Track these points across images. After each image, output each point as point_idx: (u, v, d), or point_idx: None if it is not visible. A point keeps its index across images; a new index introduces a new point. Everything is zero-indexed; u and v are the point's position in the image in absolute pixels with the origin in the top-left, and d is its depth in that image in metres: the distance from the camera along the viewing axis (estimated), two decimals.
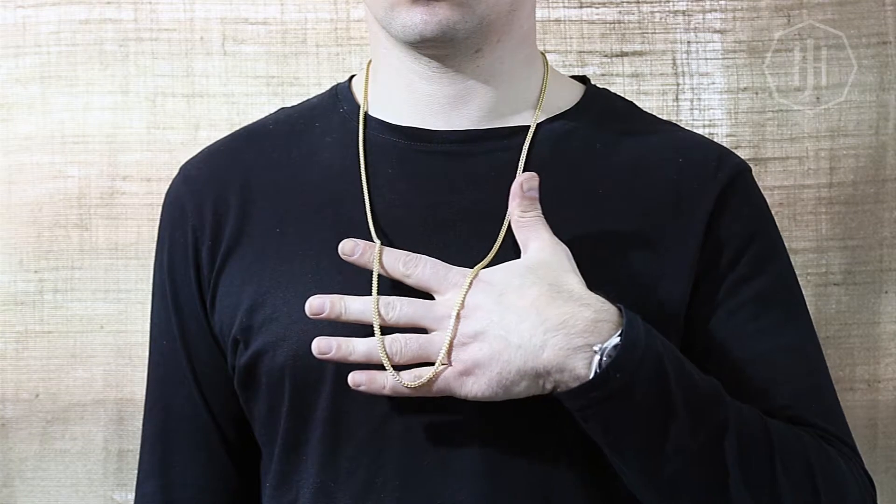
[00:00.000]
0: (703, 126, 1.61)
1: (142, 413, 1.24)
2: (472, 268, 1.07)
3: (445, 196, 1.13)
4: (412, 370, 1.06)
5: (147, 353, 1.23)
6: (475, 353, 1.04)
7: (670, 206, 1.15)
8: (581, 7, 1.62)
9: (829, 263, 1.62)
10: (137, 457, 1.24)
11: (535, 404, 1.08)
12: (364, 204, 1.14)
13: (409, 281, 1.07)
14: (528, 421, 1.09)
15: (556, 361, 1.03)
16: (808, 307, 1.21)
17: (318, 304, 1.07)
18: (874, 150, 1.61)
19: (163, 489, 1.21)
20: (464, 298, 1.05)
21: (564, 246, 1.08)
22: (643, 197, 1.15)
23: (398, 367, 1.06)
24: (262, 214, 1.16)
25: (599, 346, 1.03)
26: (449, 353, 1.04)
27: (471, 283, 1.05)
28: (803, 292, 1.20)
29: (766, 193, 1.22)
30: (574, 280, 1.06)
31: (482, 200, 1.13)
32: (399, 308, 1.06)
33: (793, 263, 1.20)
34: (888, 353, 1.64)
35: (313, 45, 1.63)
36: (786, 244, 1.20)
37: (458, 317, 1.04)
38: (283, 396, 1.13)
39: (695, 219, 1.15)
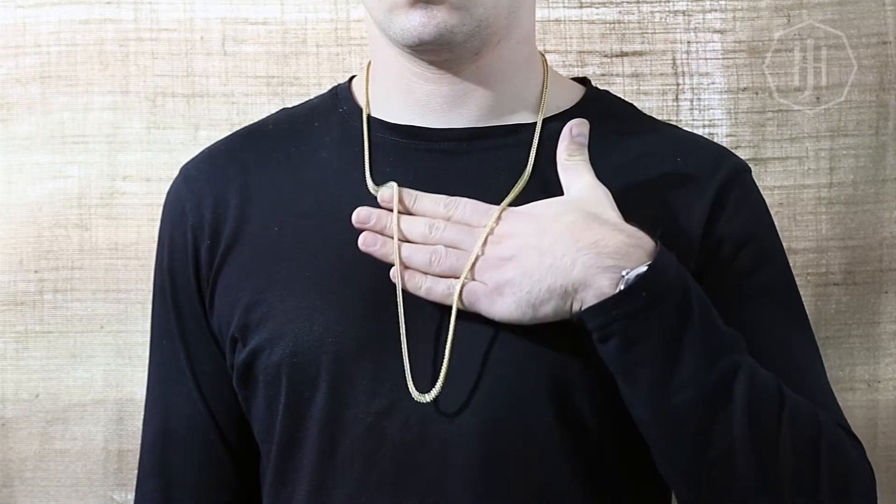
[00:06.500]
0: (703, 126, 1.61)
1: (142, 413, 1.25)
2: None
3: (443, 194, 1.13)
4: (447, 280, 1.09)
5: (147, 353, 1.24)
6: (507, 273, 1.07)
7: (668, 206, 1.15)
8: (581, 7, 1.62)
9: (829, 263, 1.62)
10: (137, 457, 1.25)
11: (532, 400, 1.09)
12: (361, 202, 1.14)
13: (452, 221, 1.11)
14: (525, 418, 1.10)
15: (584, 278, 1.05)
16: (808, 307, 1.21)
17: (366, 215, 1.11)
18: (874, 150, 1.61)
19: (162, 489, 1.21)
20: (494, 223, 1.08)
21: (606, 189, 1.10)
22: (641, 197, 1.15)
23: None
24: (260, 214, 1.17)
25: (628, 269, 1.05)
26: (473, 269, 1.08)
27: (500, 214, 1.09)
28: (802, 292, 1.20)
29: (766, 193, 1.22)
30: (612, 213, 1.08)
31: (481, 198, 1.12)
32: (442, 229, 1.10)
33: (793, 263, 1.20)
34: (888, 353, 1.64)
35: (313, 45, 1.63)
36: (786, 244, 1.20)
37: (486, 240, 1.08)
38: (280, 394, 1.13)
39: (692, 219, 1.15)
